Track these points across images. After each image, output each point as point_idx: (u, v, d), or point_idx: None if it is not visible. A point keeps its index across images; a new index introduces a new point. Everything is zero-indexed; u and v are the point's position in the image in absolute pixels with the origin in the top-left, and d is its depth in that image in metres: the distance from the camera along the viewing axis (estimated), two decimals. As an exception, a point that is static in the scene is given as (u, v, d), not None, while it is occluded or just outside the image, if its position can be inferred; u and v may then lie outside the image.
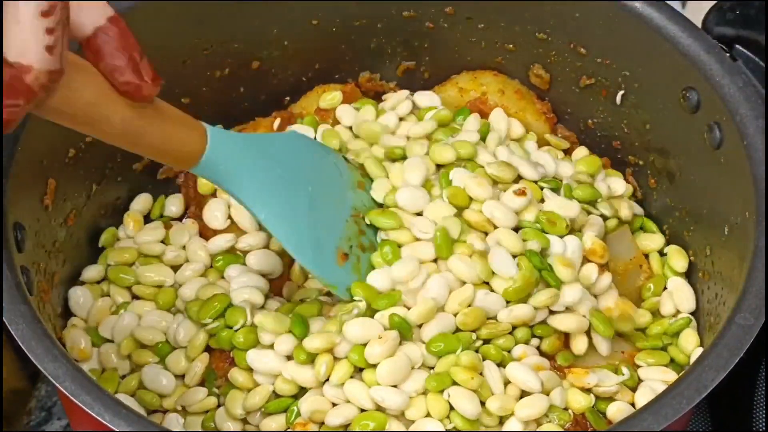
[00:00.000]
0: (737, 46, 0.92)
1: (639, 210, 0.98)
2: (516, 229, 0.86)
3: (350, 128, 0.97)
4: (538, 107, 1.01)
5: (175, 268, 0.91)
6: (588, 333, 0.85)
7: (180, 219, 0.97)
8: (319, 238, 0.81)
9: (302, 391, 0.81)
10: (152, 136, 0.70)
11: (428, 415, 0.79)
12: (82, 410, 0.68)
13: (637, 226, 0.97)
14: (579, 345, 0.84)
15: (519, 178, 0.90)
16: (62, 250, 0.88)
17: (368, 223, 0.86)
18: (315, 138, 0.94)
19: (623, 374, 0.84)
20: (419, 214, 0.87)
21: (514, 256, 0.84)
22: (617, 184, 0.96)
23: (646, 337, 0.89)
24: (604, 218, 0.92)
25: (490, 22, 0.99)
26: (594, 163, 0.96)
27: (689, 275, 0.93)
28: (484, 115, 0.98)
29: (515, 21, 0.97)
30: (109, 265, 0.91)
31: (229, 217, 0.91)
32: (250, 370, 0.82)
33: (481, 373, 0.80)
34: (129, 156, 0.95)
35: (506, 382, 0.81)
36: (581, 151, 1.00)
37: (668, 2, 0.90)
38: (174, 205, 0.98)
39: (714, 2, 0.97)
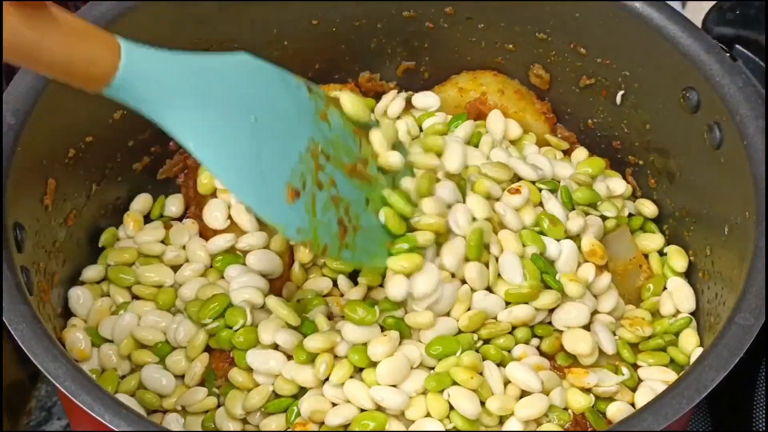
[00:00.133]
0: (737, 46, 0.92)
1: (652, 210, 0.97)
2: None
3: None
4: (538, 107, 1.01)
5: (175, 268, 0.91)
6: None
7: (180, 219, 0.97)
8: (264, 173, 0.72)
9: (302, 391, 0.81)
10: (52, 52, 0.62)
11: (428, 415, 0.79)
12: (82, 410, 0.68)
13: (637, 226, 0.97)
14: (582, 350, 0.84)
15: (517, 179, 0.91)
16: (62, 250, 0.88)
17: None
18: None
19: (623, 374, 0.84)
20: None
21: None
22: (617, 184, 0.96)
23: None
24: (603, 218, 0.92)
25: (490, 22, 0.99)
26: (597, 164, 0.96)
27: (689, 275, 0.93)
28: (484, 115, 0.98)
29: (515, 21, 0.97)
30: (109, 265, 0.91)
31: (229, 217, 0.91)
32: (250, 370, 0.82)
33: (481, 373, 0.80)
34: (129, 156, 0.96)
35: (506, 382, 0.81)
36: (581, 152, 1.00)
37: (668, 2, 0.90)
38: (174, 205, 0.98)
39: (714, 2, 0.97)
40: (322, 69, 1.02)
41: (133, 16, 0.88)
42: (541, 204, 0.89)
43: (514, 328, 0.84)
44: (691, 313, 0.90)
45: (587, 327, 0.85)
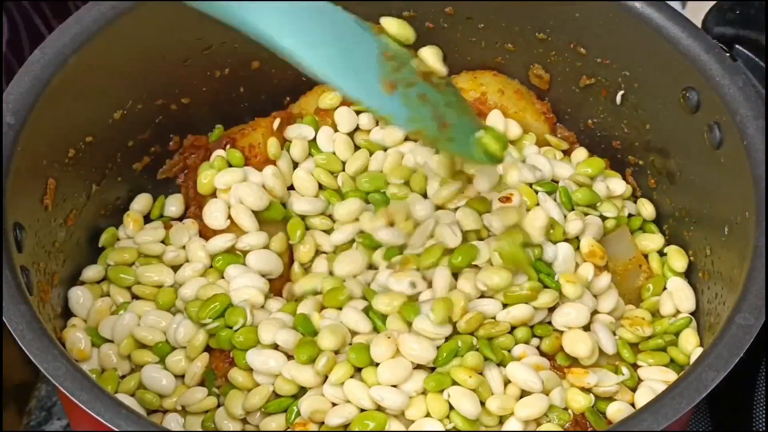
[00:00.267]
0: (737, 46, 0.92)
1: (650, 212, 0.97)
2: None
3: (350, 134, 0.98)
4: (538, 107, 1.01)
5: (175, 268, 0.91)
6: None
7: (180, 219, 0.97)
8: (358, 67, 0.75)
9: (302, 390, 0.81)
10: None
11: (428, 415, 0.79)
12: (82, 410, 0.68)
13: (636, 227, 0.97)
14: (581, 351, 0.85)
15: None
16: (62, 250, 0.88)
17: None
18: None
19: (623, 374, 0.84)
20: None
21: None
22: (617, 184, 0.96)
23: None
24: (603, 218, 0.92)
25: (490, 22, 0.98)
26: (597, 165, 0.96)
27: (689, 275, 0.93)
28: (484, 115, 0.98)
29: (515, 21, 0.97)
30: (109, 265, 0.91)
31: (229, 217, 0.91)
32: (250, 370, 0.82)
33: (480, 373, 0.80)
34: (129, 156, 0.96)
35: (506, 382, 0.81)
36: (581, 152, 1.00)
37: (668, 2, 0.90)
38: (174, 205, 0.98)
39: (714, 2, 0.97)
40: (322, 69, 1.02)
41: (133, 16, 0.88)
42: (538, 206, 0.89)
43: (513, 328, 0.84)
44: (691, 313, 0.91)
45: (587, 327, 0.85)
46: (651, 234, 0.96)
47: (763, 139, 0.82)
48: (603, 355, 0.85)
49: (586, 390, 0.83)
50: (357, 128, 0.99)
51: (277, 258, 0.90)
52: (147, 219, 0.97)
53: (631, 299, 0.92)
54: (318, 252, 0.93)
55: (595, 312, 0.87)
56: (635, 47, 0.92)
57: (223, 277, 0.89)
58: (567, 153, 1.00)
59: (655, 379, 0.85)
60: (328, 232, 0.94)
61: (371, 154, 0.98)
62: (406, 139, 0.98)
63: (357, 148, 0.98)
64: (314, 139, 0.98)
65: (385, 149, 0.98)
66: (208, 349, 0.85)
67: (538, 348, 0.85)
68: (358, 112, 0.99)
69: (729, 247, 0.85)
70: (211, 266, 0.90)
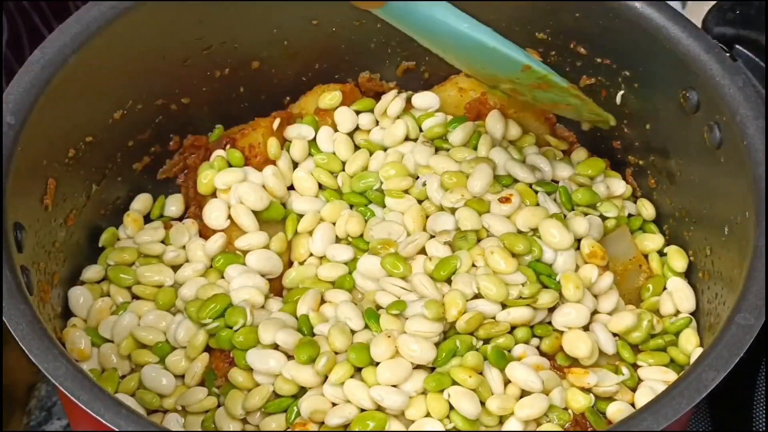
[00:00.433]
0: (737, 46, 0.92)
1: (650, 212, 0.97)
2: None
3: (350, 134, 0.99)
4: (538, 107, 1.00)
5: (175, 268, 0.91)
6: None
7: (180, 219, 0.97)
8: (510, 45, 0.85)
9: (302, 390, 0.81)
10: None
11: (428, 415, 0.79)
12: (82, 410, 0.68)
13: (636, 227, 0.97)
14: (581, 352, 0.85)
15: (515, 180, 0.91)
16: (62, 250, 0.88)
17: None
18: None
19: (623, 374, 0.84)
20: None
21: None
22: (617, 184, 0.96)
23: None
24: (603, 218, 0.92)
25: (490, 23, 0.98)
26: (597, 165, 0.96)
27: (689, 275, 0.93)
28: (483, 115, 0.98)
29: (515, 21, 0.97)
30: (109, 265, 0.91)
31: (229, 217, 0.91)
32: (250, 370, 0.82)
33: (480, 373, 0.80)
34: (129, 156, 0.96)
35: (506, 382, 0.81)
36: (581, 152, 1.00)
37: (668, 2, 0.90)
38: (174, 205, 0.98)
39: (714, 2, 0.97)
40: (322, 69, 1.02)
41: (133, 16, 0.88)
42: (537, 206, 0.89)
43: (513, 327, 0.84)
44: (691, 313, 0.91)
45: (587, 327, 0.85)
46: (651, 234, 0.96)
47: (763, 139, 0.82)
48: (603, 355, 0.85)
49: (586, 390, 0.83)
50: (357, 128, 0.99)
51: (277, 258, 0.90)
52: (147, 219, 0.97)
53: (631, 299, 0.92)
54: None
55: (595, 312, 0.87)
56: (635, 47, 0.92)
57: (223, 277, 0.89)
58: (567, 153, 1.00)
59: (655, 379, 0.85)
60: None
61: (371, 154, 0.98)
62: (407, 139, 0.98)
63: (357, 148, 0.98)
64: (314, 139, 0.98)
65: (385, 149, 0.98)
66: (208, 349, 0.85)
67: (538, 348, 0.85)
68: (358, 112, 0.99)
69: (729, 247, 0.85)
70: (211, 266, 0.91)
